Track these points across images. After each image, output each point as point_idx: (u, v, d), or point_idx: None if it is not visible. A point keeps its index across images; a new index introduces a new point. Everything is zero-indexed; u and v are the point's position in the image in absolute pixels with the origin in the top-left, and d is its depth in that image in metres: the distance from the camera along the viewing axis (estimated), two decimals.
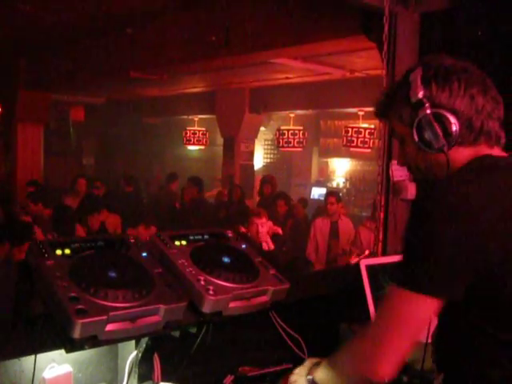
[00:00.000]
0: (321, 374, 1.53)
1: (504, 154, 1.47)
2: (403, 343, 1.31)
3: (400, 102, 1.47)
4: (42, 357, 1.60)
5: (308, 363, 1.64)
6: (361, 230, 6.52)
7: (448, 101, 1.40)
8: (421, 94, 1.41)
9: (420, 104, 1.41)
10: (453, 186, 1.34)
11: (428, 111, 1.40)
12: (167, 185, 9.93)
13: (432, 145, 1.42)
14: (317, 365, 1.58)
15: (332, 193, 7.47)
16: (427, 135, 1.41)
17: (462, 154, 1.42)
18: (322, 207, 7.67)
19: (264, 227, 5.05)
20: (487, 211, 1.27)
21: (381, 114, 1.59)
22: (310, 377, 1.55)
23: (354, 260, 5.48)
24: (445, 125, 1.39)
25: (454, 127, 1.39)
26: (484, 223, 1.26)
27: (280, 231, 5.70)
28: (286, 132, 9.85)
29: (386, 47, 3.16)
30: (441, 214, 1.28)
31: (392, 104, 1.51)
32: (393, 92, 1.52)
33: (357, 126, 8.88)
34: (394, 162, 3.12)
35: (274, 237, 5.38)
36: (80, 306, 1.39)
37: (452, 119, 1.39)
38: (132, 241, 1.76)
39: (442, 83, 1.41)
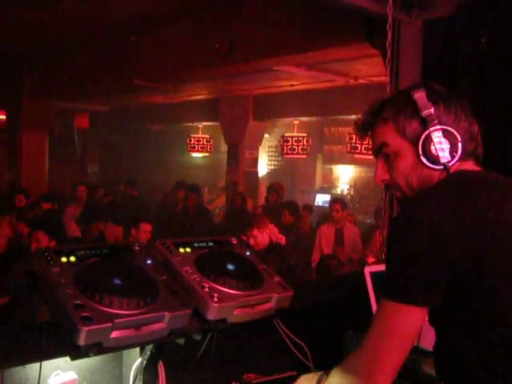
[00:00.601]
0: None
1: (479, 168, 1.54)
2: (396, 352, 1.38)
3: (404, 116, 1.50)
4: (47, 364, 1.61)
5: (317, 372, 1.67)
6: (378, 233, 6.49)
7: (453, 122, 1.48)
8: (432, 110, 1.46)
9: (430, 119, 1.46)
10: (422, 201, 1.42)
11: (438, 126, 1.46)
12: (174, 192, 9.92)
13: (437, 160, 1.46)
14: (326, 374, 1.61)
15: (337, 200, 7.46)
16: (435, 150, 1.46)
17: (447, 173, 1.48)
18: (327, 214, 7.65)
19: (259, 237, 5.00)
20: (451, 222, 1.33)
21: (369, 129, 1.61)
22: None
23: (370, 261, 5.48)
24: (453, 142, 1.46)
25: (460, 145, 1.46)
26: (447, 234, 1.32)
27: (283, 241, 5.63)
28: (290, 139, 9.86)
29: (389, 54, 3.16)
30: (410, 228, 1.36)
31: (387, 119, 1.53)
32: (391, 108, 1.54)
33: None
34: None
35: (277, 247, 5.31)
36: (85, 314, 1.39)
37: (459, 137, 1.47)
38: (137, 248, 1.77)
39: (448, 106, 1.49)
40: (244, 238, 5.12)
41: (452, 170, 1.47)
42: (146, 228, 5.52)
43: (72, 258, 1.59)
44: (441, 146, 1.45)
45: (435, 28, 3.25)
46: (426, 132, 1.46)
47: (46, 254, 1.57)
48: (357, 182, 12.87)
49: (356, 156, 9.17)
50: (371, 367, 1.38)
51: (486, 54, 2.97)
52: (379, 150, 1.58)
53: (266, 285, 1.83)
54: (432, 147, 1.46)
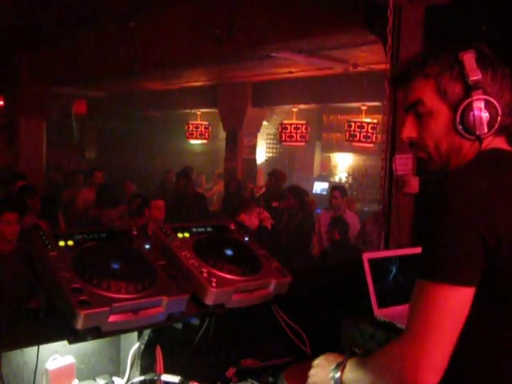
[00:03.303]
0: (351, 375, 1.44)
1: (509, 147, 1.47)
2: (447, 341, 1.24)
3: (449, 77, 1.41)
4: (45, 348, 1.60)
5: (331, 358, 1.55)
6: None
7: (496, 93, 1.39)
8: (480, 77, 1.38)
9: (476, 87, 1.38)
10: (469, 176, 1.32)
11: (482, 96, 1.38)
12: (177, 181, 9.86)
13: (474, 130, 1.39)
14: (342, 363, 1.49)
15: (336, 187, 7.46)
16: (473, 120, 1.38)
17: (479, 145, 1.41)
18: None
19: (247, 222, 5.03)
20: (500, 202, 1.27)
21: (406, 81, 1.50)
22: (337, 375, 1.47)
23: None
24: (492, 114, 1.39)
25: (499, 119, 1.39)
26: (496, 210, 1.26)
27: (268, 225, 5.60)
28: (289, 126, 9.84)
29: (389, 41, 3.14)
30: (464, 205, 1.26)
31: (429, 76, 1.43)
32: (436, 64, 1.43)
33: (359, 120, 8.86)
34: (398, 156, 3.12)
35: (265, 229, 5.32)
36: (83, 298, 1.39)
37: (499, 110, 1.39)
38: (135, 233, 1.76)
39: (495, 74, 1.40)
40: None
41: (484, 143, 1.40)
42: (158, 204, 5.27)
43: (70, 242, 1.58)
44: (480, 117, 1.38)
45: (436, 14, 3.23)
46: (469, 99, 1.38)
47: (44, 237, 1.56)
48: (355, 170, 12.85)
49: (354, 144, 9.16)
50: (419, 360, 1.22)
51: (488, 40, 2.95)
52: (412, 106, 1.48)
53: (265, 270, 1.83)
54: (471, 116, 1.38)
